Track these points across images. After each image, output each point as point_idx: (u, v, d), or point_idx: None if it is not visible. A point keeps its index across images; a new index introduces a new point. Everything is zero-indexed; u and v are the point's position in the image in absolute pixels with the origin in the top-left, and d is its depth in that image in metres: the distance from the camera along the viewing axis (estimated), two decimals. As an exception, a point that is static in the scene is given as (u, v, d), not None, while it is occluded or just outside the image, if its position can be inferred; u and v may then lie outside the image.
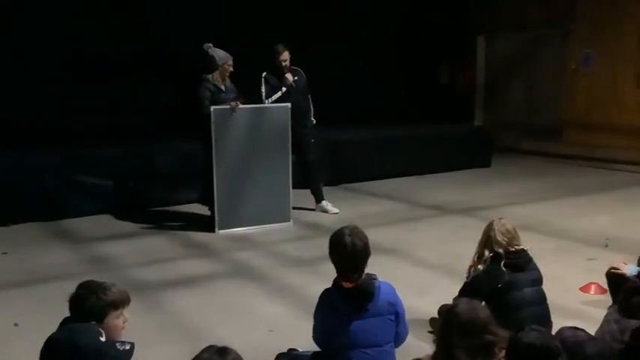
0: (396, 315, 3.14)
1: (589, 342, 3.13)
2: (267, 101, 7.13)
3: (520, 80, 12.71)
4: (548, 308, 3.70)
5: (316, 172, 7.62)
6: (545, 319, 3.58)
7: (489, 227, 3.78)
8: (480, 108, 13.61)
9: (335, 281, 3.13)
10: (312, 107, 7.56)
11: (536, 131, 11.90)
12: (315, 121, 7.61)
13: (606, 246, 5.96)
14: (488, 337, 2.45)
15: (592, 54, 11.21)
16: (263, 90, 7.17)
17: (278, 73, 7.20)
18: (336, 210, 7.55)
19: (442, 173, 10.05)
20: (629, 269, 3.97)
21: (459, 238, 6.22)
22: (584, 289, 4.87)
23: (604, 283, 4.12)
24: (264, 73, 7.19)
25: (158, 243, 6.40)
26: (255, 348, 3.56)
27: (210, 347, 2.06)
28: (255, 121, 6.78)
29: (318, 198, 7.66)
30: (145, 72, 9.75)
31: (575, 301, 4.63)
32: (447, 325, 2.53)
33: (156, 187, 7.88)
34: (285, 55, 7.20)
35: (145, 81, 9.78)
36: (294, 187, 7.05)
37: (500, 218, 3.86)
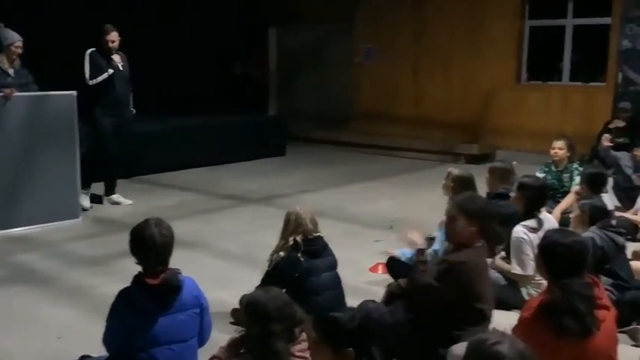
0: (200, 308, 3.09)
1: (388, 313, 3.38)
2: (91, 82, 6.60)
3: (312, 71, 13.20)
4: (342, 291, 3.90)
5: (119, 164, 7.26)
6: (341, 302, 3.76)
7: (289, 216, 3.86)
8: (273, 98, 13.91)
9: (137, 279, 2.99)
10: (131, 96, 7.17)
11: (328, 121, 12.47)
12: (134, 111, 7.20)
13: (391, 228, 6.43)
14: (290, 320, 2.53)
15: (372, 48, 12.01)
16: (87, 69, 6.63)
17: (105, 53, 6.71)
18: (129, 201, 7.26)
19: (238, 163, 10.11)
20: (401, 252, 4.36)
21: (258, 227, 6.30)
22: (373, 269, 5.21)
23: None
24: (89, 50, 6.63)
25: None
26: (42, 358, 3.26)
27: None
28: (36, 111, 6.22)
29: (111, 190, 7.27)
30: None
31: (365, 281, 4.93)
32: (254, 315, 2.56)
33: None
34: (114, 36, 6.75)
35: None
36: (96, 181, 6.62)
37: (300, 206, 3.98)
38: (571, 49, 10.23)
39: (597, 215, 4.34)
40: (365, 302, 3.34)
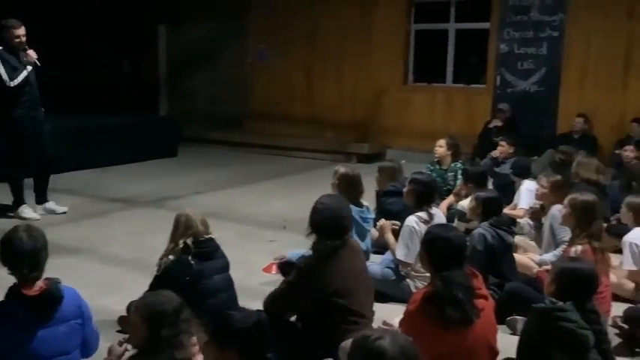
0: (82, 318, 2.98)
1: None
2: (12, 83, 6.11)
3: (205, 71, 13.01)
4: (235, 293, 3.87)
5: (52, 168, 6.84)
6: (234, 304, 3.73)
7: (179, 219, 3.79)
8: (164, 97, 13.59)
9: (12, 290, 2.83)
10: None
11: (221, 121, 12.34)
12: (43, 110, 6.73)
13: (284, 228, 6.47)
14: (180, 326, 2.48)
15: (266, 48, 12.02)
16: (2, 71, 6.11)
17: (13, 50, 6.23)
18: (65, 208, 6.89)
19: (128, 164, 9.79)
20: (289, 254, 4.42)
21: (148, 230, 6.12)
22: (267, 269, 5.22)
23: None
24: None
25: None
26: None
27: None
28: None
29: (44, 199, 6.86)
30: None
31: (258, 282, 4.92)
32: (148, 320, 2.51)
33: None
34: (23, 31, 6.26)
35: None
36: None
37: (189, 209, 3.90)
38: (454, 52, 10.71)
39: (491, 207, 4.54)
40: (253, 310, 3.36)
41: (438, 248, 3.05)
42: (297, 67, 11.82)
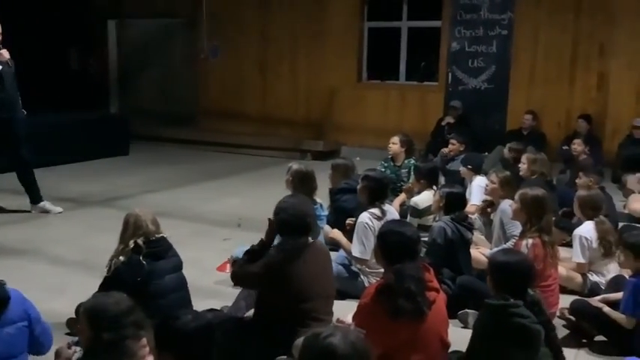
0: (29, 320, 2.91)
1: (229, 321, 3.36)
2: None
3: (156, 68, 12.79)
4: (188, 293, 3.82)
5: (31, 168, 6.66)
6: (186, 304, 3.68)
7: (129, 218, 3.72)
8: (114, 95, 13.31)
9: None
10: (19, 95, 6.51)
11: (173, 119, 12.17)
12: (25, 112, 6.53)
13: (239, 226, 6.42)
14: (126, 330, 2.42)
15: (218, 45, 11.90)
16: None
17: None
18: (60, 209, 6.75)
19: (77, 163, 9.56)
20: (237, 250, 4.39)
21: (97, 230, 5.99)
22: (221, 268, 5.16)
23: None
24: None
25: None
26: None
27: None
28: None
29: (37, 198, 6.70)
30: None
31: (212, 281, 4.87)
32: (90, 322, 2.45)
33: None
34: None
35: None
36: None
37: (140, 208, 3.84)
38: (406, 49, 10.81)
39: (454, 202, 4.59)
40: (204, 312, 3.32)
41: (391, 242, 3.08)
42: (250, 64, 11.74)
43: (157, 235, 3.70)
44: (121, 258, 3.61)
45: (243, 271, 3.50)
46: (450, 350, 3.20)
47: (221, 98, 11.96)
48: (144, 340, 2.42)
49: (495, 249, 4.83)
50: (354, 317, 3.01)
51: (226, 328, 3.26)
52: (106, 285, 3.56)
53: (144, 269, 3.56)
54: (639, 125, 8.51)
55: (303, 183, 5.08)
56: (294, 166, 5.23)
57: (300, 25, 11.19)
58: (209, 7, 11.80)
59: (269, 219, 3.62)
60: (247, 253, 3.60)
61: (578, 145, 7.66)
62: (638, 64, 8.96)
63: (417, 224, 5.13)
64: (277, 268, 3.30)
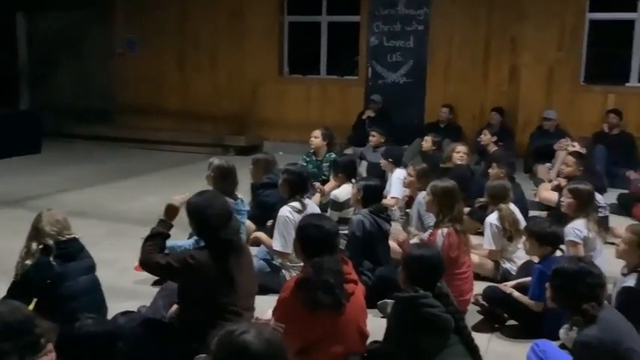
0: None
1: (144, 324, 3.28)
2: None
3: (70, 62, 12.31)
4: (102, 294, 3.71)
5: None
6: (100, 306, 3.58)
7: (38, 219, 3.58)
8: (25, 90, 12.73)
9: None
10: None
11: (89, 115, 11.75)
12: None
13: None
14: (35, 333, 2.32)
15: (135, 39, 11.58)
16: None
17: None
18: None
19: (-15, 162, 9.10)
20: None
21: (6, 233, 5.70)
22: (139, 267, 5.02)
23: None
24: None
25: None
26: None
27: None
28: None
29: None
30: None
31: (130, 281, 4.74)
32: None
33: None
34: None
35: None
36: None
37: (49, 209, 3.72)
38: (327, 44, 10.87)
39: (371, 194, 4.66)
40: (116, 316, 3.23)
41: (310, 236, 3.10)
42: (169, 58, 11.49)
43: (67, 236, 3.58)
44: (29, 261, 3.47)
45: (150, 260, 3.39)
46: (369, 340, 3.26)
47: (139, 93, 11.65)
48: (49, 346, 2.33)
49: (413, 240, 4.95)
50: (274, 311, 3.00)
51: (138, 330, 3.18)
52: (15, 289, 3.43)
53: (54, 271, 3.44)
54: (549, 117, 8.91)
55: (224, 178, 5.04)
56: (216, 161, 5.18)
57: (220, 18, 11.05)
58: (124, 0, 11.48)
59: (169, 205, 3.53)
60: (150, 237, 3.47)
61: (485, 136, 7.95)
62: (547, 58, 9.37)
63: (338, 217, 5.18)
64: (196, 265, 3.24)
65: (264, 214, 5.50)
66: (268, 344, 1.85)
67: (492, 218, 4.87)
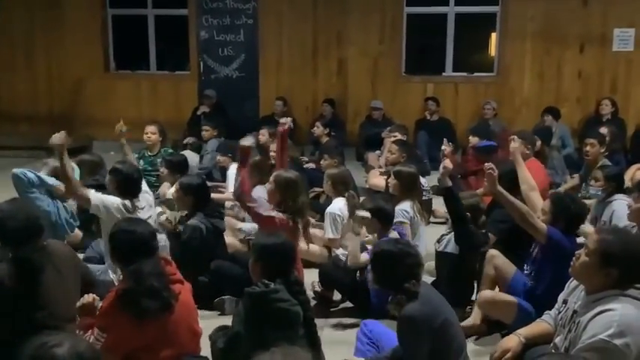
0: None
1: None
2: None
3: None
4: None
5: None
6: None
7: None
8: None
9: None
10: None
11: None
12: None
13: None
14: None
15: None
16: None
17: None
18: None
19: None
20: None
21: None
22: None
23: None
24: None
25: None
26: None
27: None
28: None
29: None
30: None
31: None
32: None
33: None
34: None
35: None
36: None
37: None
38: (155, 38, 10.52)
39: (200, 194, 4.58)
40: None
41: (122, 242, 2.94)
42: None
43: None
44: None
45: None
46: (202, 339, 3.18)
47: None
48: None
49: (245, 224, 4.97)
50: (97, 320, 2.83)
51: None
52: None
53: None
54: (376, 107, 9.36)
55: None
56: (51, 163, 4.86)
57: (36, 14, 10.28)
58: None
59: None
60: None
61: (317, 128, 8.18)
62: (371, 52, 9.81)
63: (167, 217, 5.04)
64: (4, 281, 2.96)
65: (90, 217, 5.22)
66: (79, 358, 1.77)
67: (334, 208, 4.97)
